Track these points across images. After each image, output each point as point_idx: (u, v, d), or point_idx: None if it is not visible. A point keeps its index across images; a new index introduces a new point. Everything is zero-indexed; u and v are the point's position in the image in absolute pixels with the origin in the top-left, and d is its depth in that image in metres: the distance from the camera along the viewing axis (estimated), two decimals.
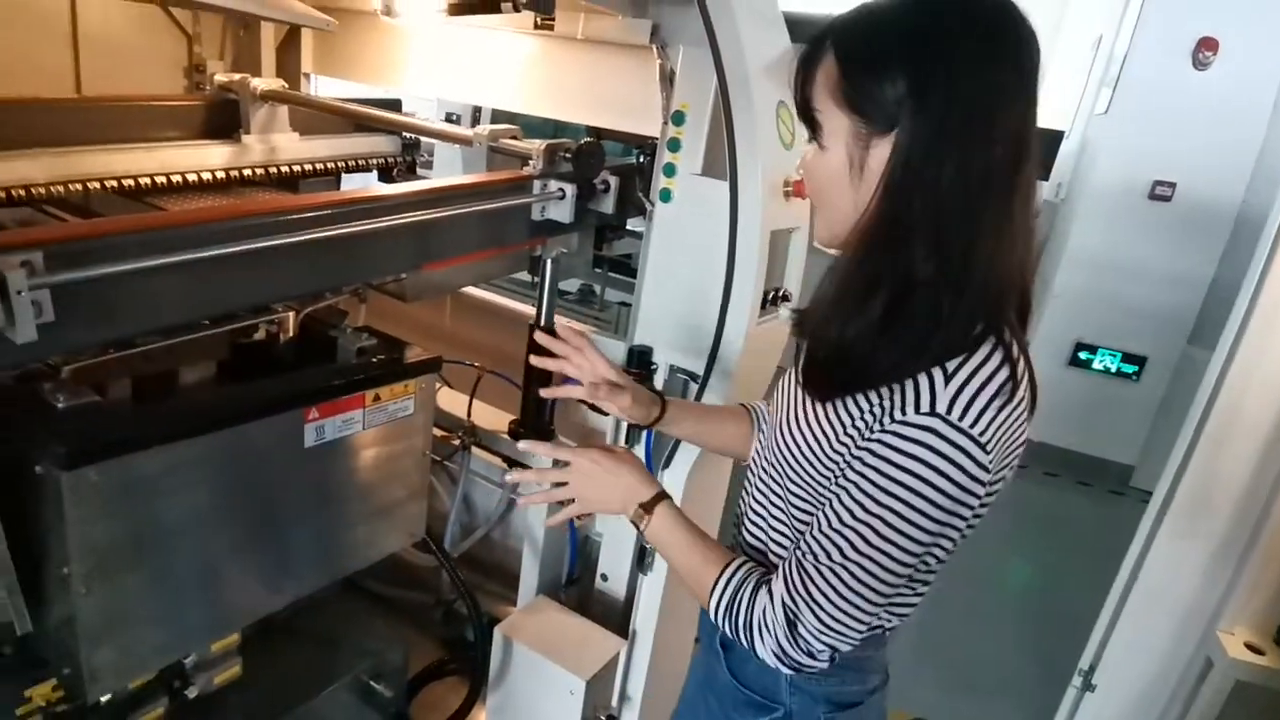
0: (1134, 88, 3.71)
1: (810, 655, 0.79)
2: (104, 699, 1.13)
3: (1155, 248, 3.82)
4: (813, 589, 0.78)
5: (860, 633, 0.79)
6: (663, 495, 0.95)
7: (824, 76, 0.76)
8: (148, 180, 1.62)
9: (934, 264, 0.73)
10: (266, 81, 1.81)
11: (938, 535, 0.75)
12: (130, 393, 1.04)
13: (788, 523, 0.91)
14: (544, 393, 1.27)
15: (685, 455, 1.52)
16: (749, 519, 0.98)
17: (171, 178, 1.67)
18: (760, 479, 0.96)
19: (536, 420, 1.70)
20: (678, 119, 1.48)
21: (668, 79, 1.53)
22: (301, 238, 1.02)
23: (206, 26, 2.16)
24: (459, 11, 1.41)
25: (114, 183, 1.57)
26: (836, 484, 0.79)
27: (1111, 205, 3.87)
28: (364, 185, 1.93)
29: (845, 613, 0.77)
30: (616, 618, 1.76)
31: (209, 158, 1.76)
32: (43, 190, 1.48)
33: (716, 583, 0.86)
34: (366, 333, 1.23)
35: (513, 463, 1.78)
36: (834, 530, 0.77)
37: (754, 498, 0.97)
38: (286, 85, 1.87)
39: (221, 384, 1.14)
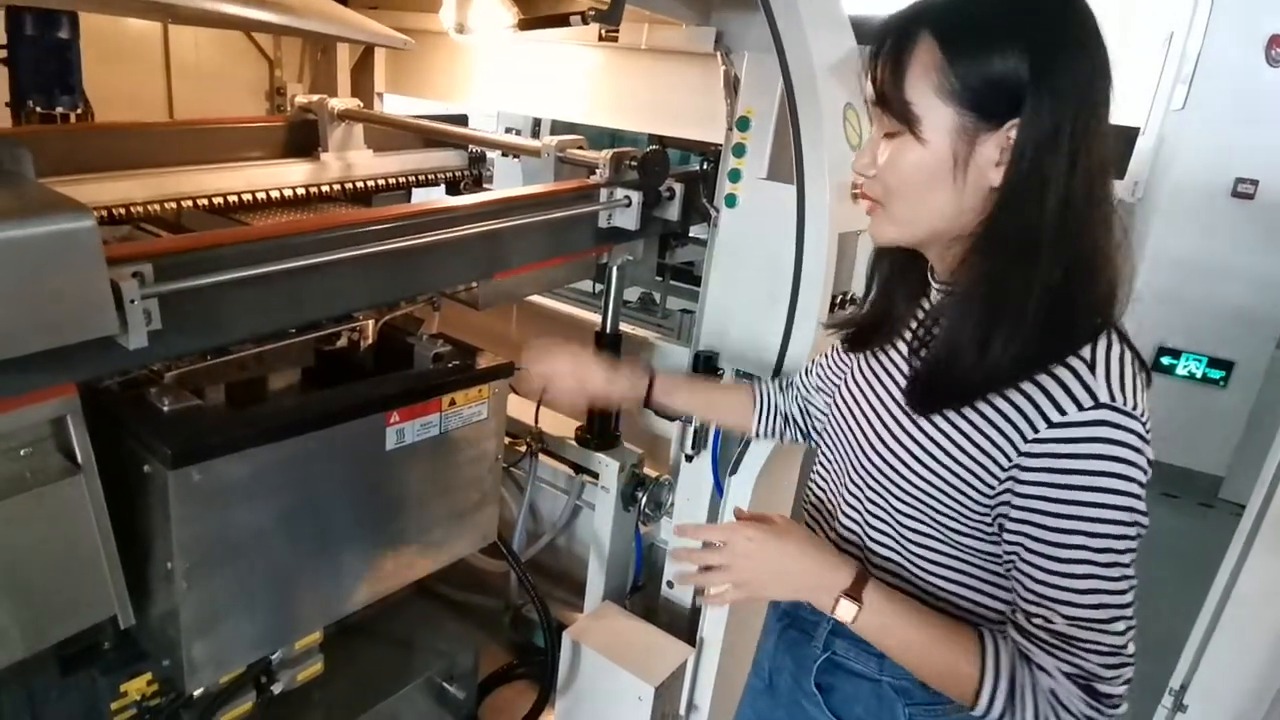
0: (1210, 84, 3.57)
1: (1115, 704, 0.72)
2: (197, 693, 1.18)
3: (1240, 247, 3.63)
4: (1085, 639, 0.70)
5: (1134, 651, 0.72)
6: (865, 575, 0.80)
7: (920, 66, 0.70)
8: (235, 198, 1.72)
9: (1063, 269, 0.69)
10: (343, 101, 1.89)
11: (1139, 528, 0.70)
12: (226, 397, 1.09)
13: (895, 537, 0.84)
14: None
15: (753, 460, 1.51)
16: (844, 551, 0.90)
17: (256, 195, 1.76)
18: (847, 501, 0.90)
19: (602, 427, 1.72)
20: (743, 124, 1.49)
21: (732, 85, 1.54)
22: (384, 248, 1.06)
23: (287, 51, 2.27)
24: (528, 26, 1.45)
25: (204, 201, 1.66)
26: (1014, 516, 0.72)
27: (1192, 204, 3.70)
28: (432, 199, 1.99)
29: (1121, 638, 0.71)
30: (683, 624, 1.75)
31: (290, 175, 1.85)
32: (140, 209, 1.58)
33: (984, 677, 0.74)
34: (441, 339, 1.27)
35: (578, 468, 1.79)
36: (1059, 565, 0.70)
37: (842, 523, 0.91)
38: (362, 105, 1.94)
39: (308, 389, 1.19)
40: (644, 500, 1.69)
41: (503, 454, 1.32)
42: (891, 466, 0.82)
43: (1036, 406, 0.70)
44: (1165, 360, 3.88)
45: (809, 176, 1.34)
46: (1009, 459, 0.72)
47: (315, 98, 1.90)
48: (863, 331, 0.93)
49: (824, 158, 1.32)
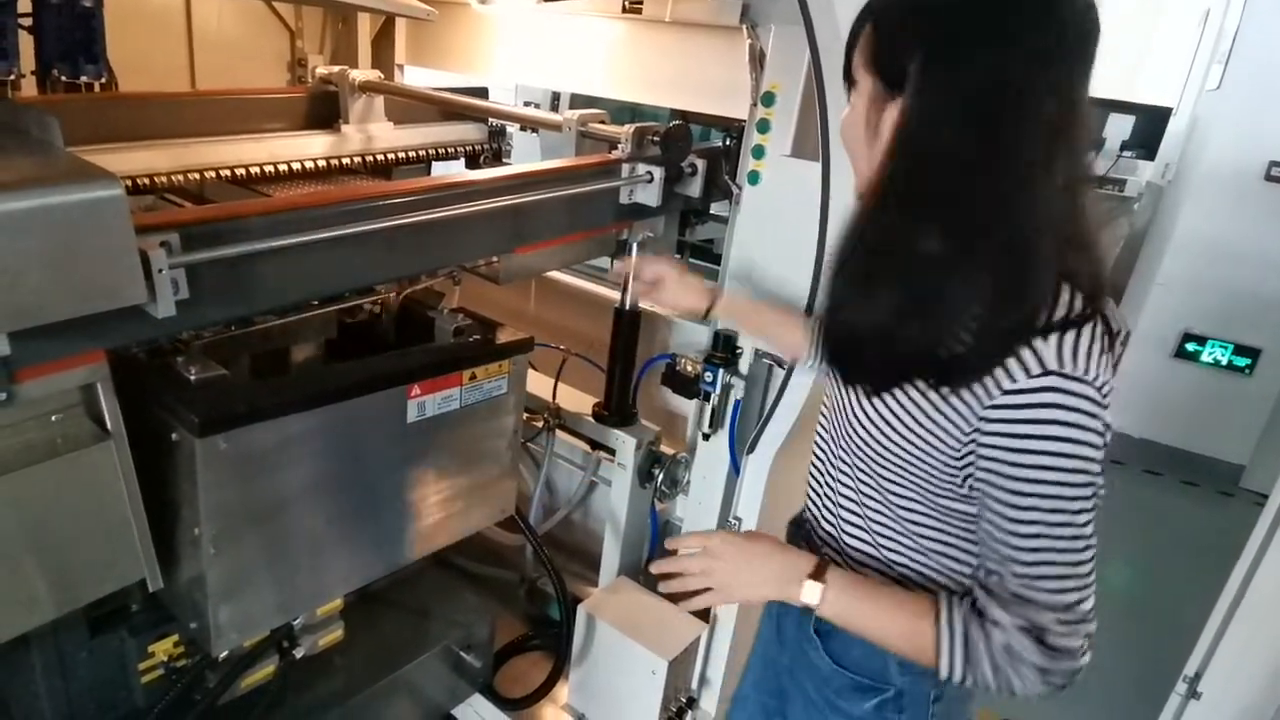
0: (1248, 63, 3.46)
1: (1072, 656, 0.74)
2: (222, 655, 1.21)
3: (1272, 232, 3.55)
4: (1035, 594, 0.74)
5: (1091, 608, 0.75)
6: (826, 562, 0.88)
7: (863, 39, 0.80)
8: (256, 169, 1.72)
9: (957, 242, 0.73)
10: (364, 73, 1.88)
11: (1095, 491, 0.73)
12: (251, 368, 1.11)
13: (882, 500, 0.89)
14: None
15: (770, 439, 1.51)
16: (841, 517, 0.95)
17: (277, 167, 1.76)
18: (840, 471, 0.94)
19: (620, 403, 1.73)
20: (767, 100, 1.46)
21: (757, 60, 1.51)
22: (407, 220, 1.06)
23: (308, 22, 2.26)
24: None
25: (226, 172, 1.66)
26: (977, 478, 0.76)
27: (1223, 187, 3.62)
28: (454, 172, 1.99)
29: (1073, 595, 0.74)
30: None
31: (311, 147, 1.84)
32: (164, 179, 1.59)
33: (940, 640, 0.79)
34: (461, 314, 1.27)
35: (595, 444, 1.80)
36: (1012, 526, 0.74)
37: (840, 495, 0.95)
38: (382, 76, 1.93)
39: (331, 360, 1.20)
40: (660, 477, 1.70)
41: (521, 429, 1.33)
42: (865, 429, 0.85)
43: (992, 375, 0.73)
44: (1190, 346, 3.82)
45: (835, 153, 1.32)
46: (969, 424, 0.75)
47: (336, 69, 1.89)
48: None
49: None
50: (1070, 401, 0.70)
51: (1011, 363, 0.72)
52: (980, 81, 0.71)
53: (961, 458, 0.77)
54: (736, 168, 1.62)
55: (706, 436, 1.64)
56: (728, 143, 1.72)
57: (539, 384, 1.84)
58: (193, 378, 0.95)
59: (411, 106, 1.98)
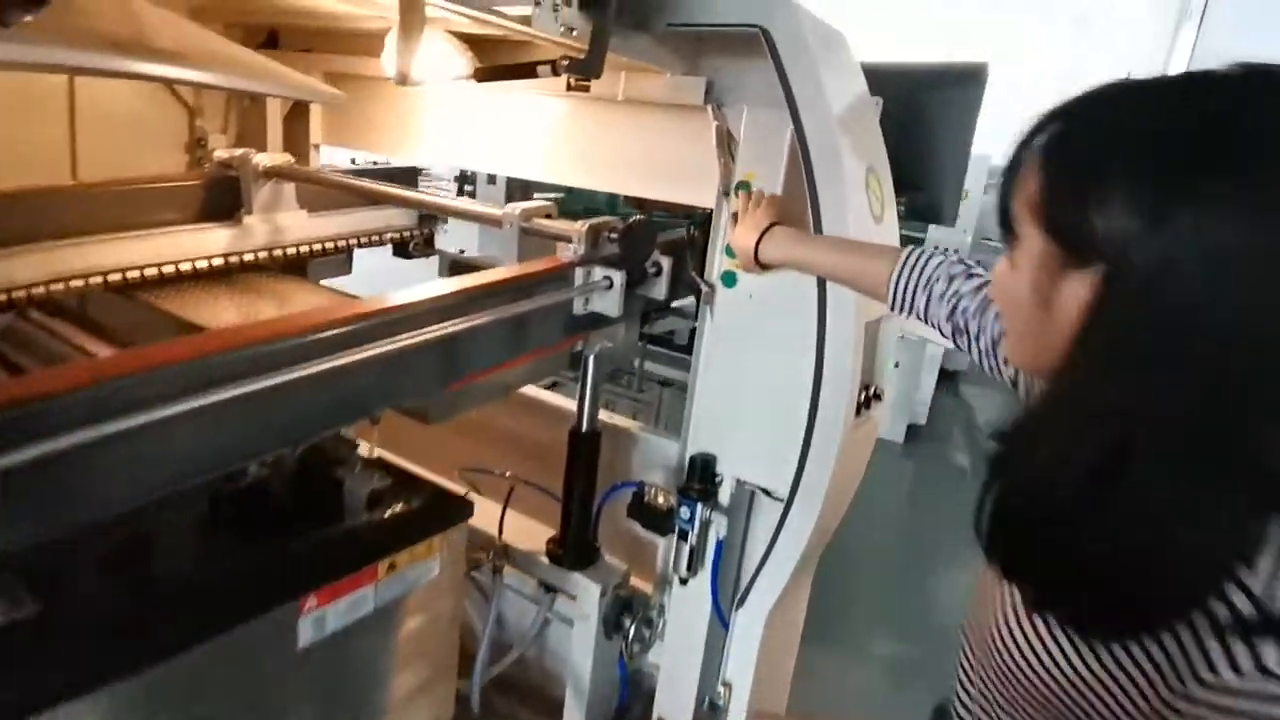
0: None
1: None
2: None
3: None
4: None
5: None
6: None
7: (1025, 183, 0.57)
8: (140, 273, 1.45)
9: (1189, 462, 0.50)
10: (270, 157, 1.65)
11: None
12: (61, 595, 0.80)
13: None
14: None
15: (763, 592, 1.27)
16: None
17: (164, 269, 1.49)
18: (983, 697, 0.70)
19: (579, 538, 1.46)
20: (742, 189, 1.26)
21: (725, 143, 1.32)
22: (299, 374, 0.80)
23: (209, 99, 2.00)
24: (487, 77, 1.22)
25: (105, 278, 1.39)
26: None
27: None
28: (362, 300, 1.73)
29: None
30: None
31: (208, 242, 1.58)
32: (25, 293, 1.32)
33: None
34: (379, 469, 1.00)
35: (549, 588, 1.52)
36: None
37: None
38: (293, 159, 1.69)
39: (197, 551, 0.90)
40: (631, 629, 1.43)
41: (462, 612, 1.05)
42: (1017, 655, 0.63)
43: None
44: None
45: None
46: (1171, 684, 0.53)
47: (238, 152, 1.63)
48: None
49: (848, 232, 1.10)
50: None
51: (1212, 640, 0.50)
52: (1223, 254, 0.47)
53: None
54: (704, 260, 1.42)
55: (684, 582, 1.39)
56: (693, 233, 1.51)
57: (483, 512, 1.56)
58: None
59: (329, 190, 1.74)
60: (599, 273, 1.22)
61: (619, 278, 1.21)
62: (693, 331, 1.47)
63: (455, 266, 2.15)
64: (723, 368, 1.33)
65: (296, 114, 2.06)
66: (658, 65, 1.32)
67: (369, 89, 1.84)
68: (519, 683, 1.73)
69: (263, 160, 1.63)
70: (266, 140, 2.06)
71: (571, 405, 1.46)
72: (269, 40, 1.98)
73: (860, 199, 1.12)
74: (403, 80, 1.24)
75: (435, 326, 0.96)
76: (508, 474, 1.54)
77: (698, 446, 1.38)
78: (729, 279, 1.28)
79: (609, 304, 1.23)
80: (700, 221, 1.52)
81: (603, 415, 1.51)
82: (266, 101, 2.01)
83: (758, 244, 1.12)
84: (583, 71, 1.06)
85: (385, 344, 0.88)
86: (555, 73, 1.10)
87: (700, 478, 1.33)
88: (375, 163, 2.39)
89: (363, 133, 1.97)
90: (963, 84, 1.39)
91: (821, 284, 1.13)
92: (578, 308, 1.21)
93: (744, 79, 1.27)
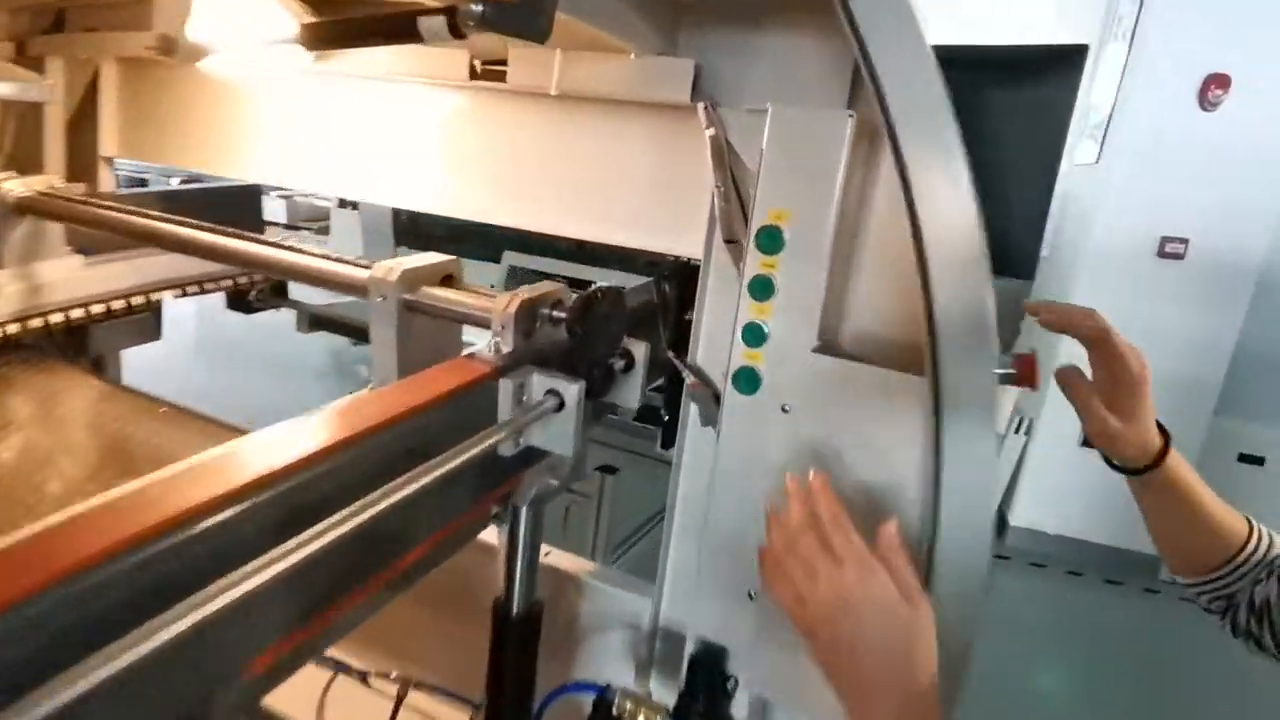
0: (1130, 135, 3.32)
1: None
2: None
3: (1169, 311, 3.38)
4: None
5: None
6: None
7: None
8: None
9: None
10: (23, 182, 1.08)
11: None
12: None
13: None
14: None
15: None
16: None
17: None
18: None
19: None
20: (769, 240, 0.77)
21: (724, 162, 0.84)
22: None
23: None
24: (326, 40, 0.68)
25: None
26: None
27: (1115, 266, 3.43)
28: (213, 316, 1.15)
29: None
30: None
31: None
32: None
33: None
34: None
35: None
36: None
37: None
38: (56, 184, 1.11)
39: None
40: None
41: None
42: None
43: None
44: None
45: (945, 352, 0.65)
46: None
47: None
48: None
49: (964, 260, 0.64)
50: None
51: None
52: None
53: None
54: (682, 334, 0.95)
55: None
56: (666, 289, 1.03)
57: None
58: None
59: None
60: (539, 385, 0.71)
61: (573, 392, 0.70)
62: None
63: (317, 322, 1.57)
64: (731, 498, 0.84)
65: (85, 117, 1.43)
66: (615, 35, 0.82)
67: (174, 79, 1.26)
68: None
69: (13, 189, 1.07)
70: (43, 155, 1.43)
71: (493, 540, 0.94)
72: (55, 24, 1.34)
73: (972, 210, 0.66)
74: (167, 49, 0.70)
75: (283, 553, 0.42)
76: (393, 674, 0.99)
77: (677, 612, 0.88)
78: (748, 381, 0.79)
79: (557, 436, 0.72)
80: (671, 274, 1.05)
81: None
82: (44, 107, 1.37)
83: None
84: (512, 25, 0.54)
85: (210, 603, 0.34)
86: (455, 32, 0.57)
87: (706, 691, 0.83)
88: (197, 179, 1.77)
89: (170, 140, 1.37)
90: (1046, 75, 0.95)
91: (937, 396, 0.66)
92: (505, 449, 0.69)
93: (751, 66, 0.80)
